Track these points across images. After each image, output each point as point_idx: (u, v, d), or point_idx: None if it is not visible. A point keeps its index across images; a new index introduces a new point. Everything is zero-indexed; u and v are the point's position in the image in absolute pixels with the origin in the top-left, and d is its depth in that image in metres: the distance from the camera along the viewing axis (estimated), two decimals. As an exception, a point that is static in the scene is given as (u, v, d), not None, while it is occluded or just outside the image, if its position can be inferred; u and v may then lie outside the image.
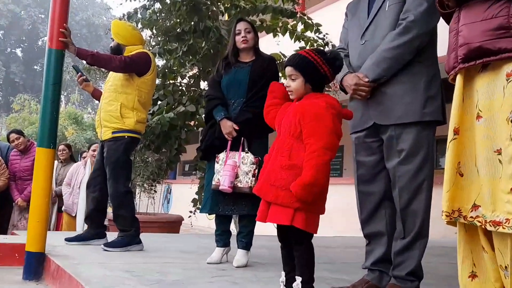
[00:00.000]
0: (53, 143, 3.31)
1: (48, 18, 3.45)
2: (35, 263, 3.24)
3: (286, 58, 6.18)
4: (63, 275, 2.82)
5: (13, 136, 5.74)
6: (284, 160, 2.13)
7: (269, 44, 6.37)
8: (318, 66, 2.21)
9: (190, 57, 6.49)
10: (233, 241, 3.50)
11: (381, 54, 2.38)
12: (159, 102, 6.43)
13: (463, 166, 1.68)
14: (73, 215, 5.88)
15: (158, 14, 6.71)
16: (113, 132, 3.82)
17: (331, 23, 6.61)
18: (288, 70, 2.25)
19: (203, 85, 6.75)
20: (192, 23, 6.21)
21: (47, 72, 3.31)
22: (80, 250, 3.60)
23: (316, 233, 2.15)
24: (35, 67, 37.42)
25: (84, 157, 6.56)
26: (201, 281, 2.66)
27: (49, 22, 3.38)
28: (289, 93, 2.27)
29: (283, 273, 2.24)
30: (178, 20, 6.42)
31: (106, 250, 3.67)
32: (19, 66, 36.53)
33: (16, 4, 35.04)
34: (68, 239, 3.96)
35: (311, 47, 6.33)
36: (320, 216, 2.17)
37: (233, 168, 3.19)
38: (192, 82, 6.87)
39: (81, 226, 5.68)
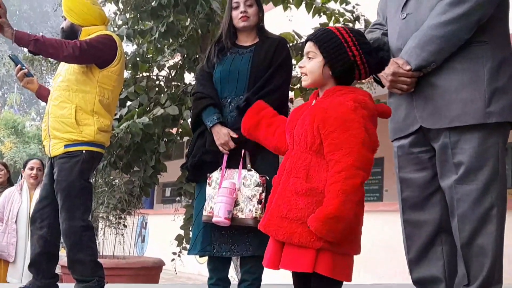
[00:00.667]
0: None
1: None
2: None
3: (302, 40, 6.26)
4: None
5: None
6: (299, 183, 2.13)
7: (279, 21, 6.40)
8: (348, 48, 2.20)
9: (170, 40, 6.51)
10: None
11: (427, 32, 2.39)
12: (128, 103, 6.43)
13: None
14: (11, 260, 5.88)
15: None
16: (65, 146, 3.82)
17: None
18: (307, 45, 2.28)
19: (189, 78, 6.77)
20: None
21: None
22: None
23: (349, 281, 2.14)
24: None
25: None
26: None
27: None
28: (302, 77, 2.28)
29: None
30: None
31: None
32: None
33: None
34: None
35: (336, 24, 6.34)
36: (354, 257, 2.17)
37: (231, 192, 3.18)
38: (173, 74, 6.90)
39: (19, 276, 5.70)
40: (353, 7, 6.64)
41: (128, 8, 6.72)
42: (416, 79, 2.43)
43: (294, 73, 4.80)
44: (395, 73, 2.42)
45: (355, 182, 2.03)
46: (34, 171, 6.02)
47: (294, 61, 5.18)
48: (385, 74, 2.46)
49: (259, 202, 3.15)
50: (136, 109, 6.23)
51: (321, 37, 2.24)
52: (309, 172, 2.13)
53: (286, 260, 2.12)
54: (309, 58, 2.23)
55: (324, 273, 2.05)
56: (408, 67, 2.40)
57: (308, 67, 2.23)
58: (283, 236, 2.10)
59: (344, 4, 6.62)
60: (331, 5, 6.68)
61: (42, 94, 4.24)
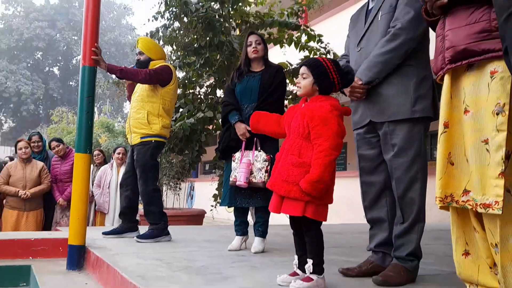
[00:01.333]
0: (89, 149, 3.35)
1: (80, 39, 3.49)
2: (77, 255, 3.28)
3: (292, 66, 6.22)
4: (102, 265, 2.85)
5: (53, 143, 5.83)
6: (294, 158, 2.13)
7: (277, 54, 6.37)
8: (329, 72, 2.21)
9: (207, 69, 6.50)
10: (250, 230, 3.51)
11: (372, 60, 2.38)
12: (180, 110, 6.44)
13: (453, 156, 1.67)
14: (105, 212, 5.93)
15: (177, 32, 6.74)
16: (141, 137, 3.84)
17: (332, 33, 6.62)
18: (302, 69, 2.26)
19: (219, 93, 6.77)
20: (208, 38, 6.21)
21: (82, 86, 3.35)
22: (116, 243, 3.64)
23: (325, 220, 2.15)
24: (71, 83, 37.78)
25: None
26: (224, 266, 2.68)
27: (82, 43, 3.42)
28: (297, 89, 2.28)
29: (296, 257, 2.25)
30: (195, 36, 6.43)
31: (138, 242, 3.70)
32: (57, 82, 36.94)
33: (52, 28, 35.42)
34: (105, 233, 3.99)
35: (315, 55, 6.31)
36: (328, 206, 2.17)
37: (248, 165, 3.19)
38: (209, 91, 6.89)
39: (111, 222, 5.75)
40: (326, 45, 6.61)
41: (179, 48, 6.73)
42: (366, 90, 2.42)
43: (287, 89, 4.80)
44: (353, 86, 2.41)
45: (330, 159, 2.05)
46: (120, 155, 6.04)
47: (287, 81, 5.17)
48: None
49: (266, 171, 3.15)
50: (186, 114, 6.25)
51: (313, 64, 2.24)
52: (301, 151, 2.13)
53: (286, 208, 2.13)
54: (304, 78, 2.23)
55: (310, 216, 2.06)
56: (360, 82, 2.39)
57: (303, 83, 2.23)
58: (284, 192, 2.11)
59: (320, 43, 6.60)
60: (311, 44, 6.65)
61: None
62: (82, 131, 3.31)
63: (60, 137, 10.85)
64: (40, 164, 5.51)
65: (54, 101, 35.47)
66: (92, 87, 3.37)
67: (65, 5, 36.82)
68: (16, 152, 5.63)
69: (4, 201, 5.31)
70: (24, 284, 3.32)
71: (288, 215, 2.21)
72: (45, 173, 5.47)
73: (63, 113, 19.39)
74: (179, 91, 5.92)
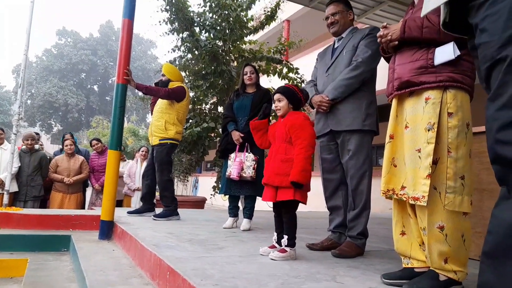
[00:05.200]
0: (119, 147, 3.31)
1: (116, 64, 3.46)
2: (107, 228, 3.23)
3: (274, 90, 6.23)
4: (126, 236, 2.81)
5: (94, 142, 5.80)
6: (282, 156, 2.13)
7: (264, 82, 6.39)
8: (296, 92, 2.24)
9: (211, 90, 6.49)
10: (240, 213, 3.50)
11: (338, 82, 2.39)
12: (190, 120, 6.42)
13: (396, 160, 1.68)
14: (132, 196, 5.85)
15: (189, 61, 6.73)
16: (160, 140, 3.81)
17: (305, 66, 6.65)
18: (277, 95, 2.26)
19: (220, 109, 6.76)
20: (212, 67, 6.21)
21: (115, 99, 3.32)
22: (137, 220, 3.59)
23: (306, 203, 2.13)
24: (107, 97, 37.33)
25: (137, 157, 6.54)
26: (219, 239, 2.65)
27: (117, 66, 3.39)
28: (277, 111, 2.27)
29: (275, 233, 2.23)
30: (203, 65, 6.42)
31: (155, 220, 3.66)
32: (96, 97, 36.48)
33: (94, 55, 35.11)
34: (129, 212, 3.94)
35: (292, 83, 6.34)
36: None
37: (240, 163, 3.18)
38: (212, 107, 6.88)
39: (135, 204, 5.68)
40: (301, 75, 6.65)
41: (190, 74, 6.71)
42: (330, 105, 2.42)
43: (272, 107, 4.81)
44: (321, 101, 2.41)
45: (309, 153, 2.05)
46: (143, 153, 5.98)
47: (273, 100, 5.18)
48: (316, 101, 2.45)
49: (254, 169, 3.15)
50: (194, 124, 6.22)
51: (285, 91, 2.25)
52: (286, 151, 2.13)
53: (280, 195, 2.10)
54: (279, 101, 2.24)
55: (299, 199, 2.06)
56: (327, 98, 2.40)
57: (281, 105, 2.24)
58: (279, 183, 2.09)
59: (296, 74, 6.64)
60: (290, 74, 6.68)
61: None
62: (115, 133, 3.27)
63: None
64: (81, 158, 5.43)
65: (93, 111, 35.03)
66: (123, 100, 3.34)
67: (104, 38, 36.51)
68: (63, 148, 5.55)
69: (53, 186, 5.23)
70: (65, 249, 3.25)
71: (269, 203, 2.20)
72: (84, 165, 5.39)
73: (99, 120, 19.15)
74: (190, 106, 5.90)
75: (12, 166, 4.64)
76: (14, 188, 4.83)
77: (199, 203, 7.05)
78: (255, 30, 6.70)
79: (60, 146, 5.98)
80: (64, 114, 33.53)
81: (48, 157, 5.49)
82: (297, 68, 6.67)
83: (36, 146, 5.31)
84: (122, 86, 3.34)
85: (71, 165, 5.27)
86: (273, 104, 2.34)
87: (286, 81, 6.60)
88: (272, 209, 2.28)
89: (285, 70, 6.69)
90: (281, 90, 2.26)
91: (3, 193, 4.66)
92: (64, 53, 34.66)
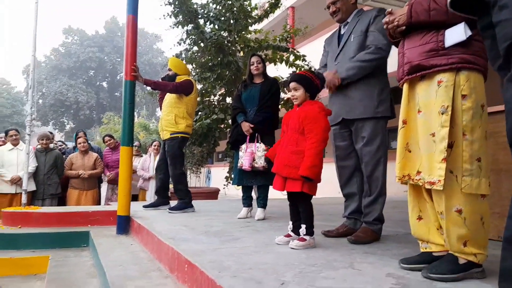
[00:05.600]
0: (131, 143, 3.33)
1: (123, 60, 3.46)
2: (124, 223, 3.28)
3: (283, 79, 6.18)
4: (143, 230, 2.85)
5: (107, 138, 5.87)
6: (293, 148, 2.10)
7: (270, 70, 6.34)
8: (313, 80, 2.19)
9: (219, 82, 6.46)
10: (254, 203, 3.50)
11: (352, 64, 2.33)
12: (199, 113, 6.42)
13: (410, 145, 1.65)
14: (147, 189, 5.92)
15: (195, 54, 6.70)
16: (171, 134, 3.82)
17: (311, 53, 6.56)
18: (293, 84, 2.19)
19: (228, 100, 6.74)
20: (219, 59, 6.17)
21: (125, 96, 3.33)
22: (153, 213, 3.63)
23: (315, 194, 2.13)
24: (116, 93, 37.59)
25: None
26: (235, 230, 2.66)
27: (124, 63, 3.39)
28: (293, 100, 2.22)
29: (290, 223, 2.23)
30: (209, 57, 6.39)
31: (170, 213, 3.69)
32: (105, 93, 36.79)
33: (101, 52, 35.28)
34: (145, 206, 3.99)
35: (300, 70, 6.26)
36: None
37: (251, 154, 3.17)
38: (220, 98, 6.86)
39: (150, 198, 5.74)
40: (308, 62, 6.57)
41: (197, 67, 6.68)
42: (339, 92, 2.37)
43: (281, 96, 4.77)
44: (333, 76, 2.36)
45: (320, 149, 2.02)
46: (156, 147, 6.02)
47: (281, 90, 5.14)
48: (328, 77, 2.40)
49: (265, 159, 3.13)
50: (203, 116, 6.21)
51: (300, 78, 2.20)
52: (297, 142, 2.10)
53: (289, 186, 2.09)
54: (296, 90, 2.19)
55: (306, 191, 2.04)
56: (337, 75, 2.36)
57: (298, 95, 2.18)
58: (286, 174, 2.08)
59: (304, 61, 6.56)
60: (297, 62, 6.60)
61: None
62: (126, 129, 3.29)
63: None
64: (95, 154, 5.50)
65: (104, 107, 35.35)
66: (132, 97, 3.35)
67: (110, 35, 36.58)
68: (76, 145, 5.62)
69: (69, 183, 5.31)
70: (85, 245, 3.31)
71: (283, 192, 2.19)
72: (98, 161, 5.46)
73: (110, 116, 19.29)
74: (198, 99, 5.89)
75: (28, 166, 4.73)
76: (32, 187, 4.92)
77: (213, 194, 7.10)
78: (260, 19, 6.61)
79: (74, 144, 6.06)
80: (75, 112, 33.92)
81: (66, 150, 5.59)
82: (304, 55, 6.58)
83: (51, 145, 5.38)
84: (130, 82, 3.34)
85: (86, 162, 5.34)
86: (288, 93, 2.30)
87: (294, 69, 6.52)
88: (286, 197, 2.27)
89: (292, 57, 6.61)
90: (297, 78, 2.19)
91: (21, 193, 4.76)
92: (72, 51, 34.89)
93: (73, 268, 2.62)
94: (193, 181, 9.46)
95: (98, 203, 5.43)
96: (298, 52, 6.64)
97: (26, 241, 3.23)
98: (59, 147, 6.35)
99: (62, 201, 5.35)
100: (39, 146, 5.21)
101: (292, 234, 2.19)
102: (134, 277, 1.97)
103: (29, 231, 3.37)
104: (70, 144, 7.05)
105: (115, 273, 2.02)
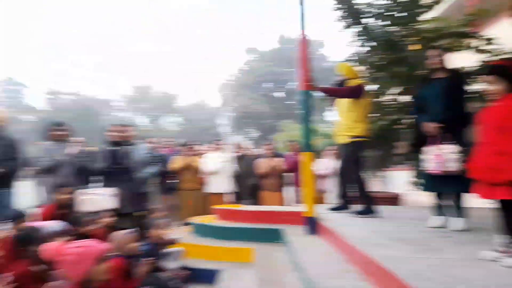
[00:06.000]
0: (311, 149, 3.57)
1: (296, 70, 3.78)
2: (312, 224, 3.50)
3: (466, 68, 5.33)
4: (332, 232, 2.97)
5: (290, 144, 6.41)
6: (496, 148, 1.84)
7: (452, 60, 5.59)
8: None
9: (394, 81, 6.12)
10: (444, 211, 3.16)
11: None
12: (374, 114, 6.21)
13: None
14: (325, 192, 6.12)
15: (366, 55, 6.54)
16: (349, 138, 3.83)
17: (497, 36, 5.42)
18: (488, 77, 1.94)
19: (404, 99, 6.29)
20: (391, 56, 5.83)
21: (302, 105, 3.63)
22: (337, 216, 3.70)
23: None
24: (291, 102, 39.92)
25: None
26: (430, 240, 2.48)
27: (299, 74, 3.67)
28: (491, 96, 1.95)
29: (499, 236, 1.93)
30: (382, 56, 6.10)
31: (356, 216, 3.68)
32: (281, 103, 40.05)
33: (276, 66, 39.00)
34: (331, 209, 4.12)
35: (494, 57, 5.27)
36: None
37: (438, 156, 2.88)
38: (396, 98, 6.47)
39: (329, 200, 5.83)
40: (498, 47, 5.40)
41: (370, 66, 6.49)
42: None
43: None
44: None
45: None
46: (334, 152, 6.18)
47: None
48: None
49: (457, 161, 2.79)
50: (378, 117, 6.00)
51: (498, 70, 1.91)
52: (501, 142, 1.81)
53: (499, 193, 1.82)
54: (492, 83, 1.92)
55: None
56: None
57: (495, 88, 1.91)
58: (489, 179, 1.83)
59: (491, 45, 5.45)
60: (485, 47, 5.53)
61: None
62: (305, 136, 3.56)
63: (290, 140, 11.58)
64: (280, 159, 6.13)
65: (281, 116, 38.42)
66: (308, 105, 3.60)
67: (283, 48, 39.91)
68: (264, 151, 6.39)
69: (261, 185, 6.05)
70: (279, 241, 3.70)
71: (494, 200, 1.91)
72: (282, 165, 6.05)
73: (288, 124, 20.70)
74: (373, 100, 5.72)
75: (229, 170, 5.69)
76: (235, 188, 5.87)
77: (393, 200, 6.76)
78: (430, 7, 5.92)
79: (261, 150, 6.87)
80: (259, 121, 38.35)
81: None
82: (491, 39, 5.50)
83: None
84: (305, 92, 3.60)
85: (272, 165, 6.01)
86: (480, 86, 2.04)
87: (482, 56, 5.53)
88: (485, 205, 1.98)
89: (476, 43, 5.64)
90: (497, 71, 1.93)
91: (225, 193, 5.74)
92: (254, 67, 39.86)
93: (274, 261, 2.99)
94: (373, 185, 9.18)
95: (282, 203, 5.96)
96: (483, 36, 5.61)
97: (232, 234, 3.95)
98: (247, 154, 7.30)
99: (255, 201, 6.13)
100: (236, 154, 6.17)
101: (504, 249, 1.90)
102: (333, 275, 2.11)
103: (234, 225, 4.03)
104: (256, 151, 7.94)
105: (315, 271, 2.20)
